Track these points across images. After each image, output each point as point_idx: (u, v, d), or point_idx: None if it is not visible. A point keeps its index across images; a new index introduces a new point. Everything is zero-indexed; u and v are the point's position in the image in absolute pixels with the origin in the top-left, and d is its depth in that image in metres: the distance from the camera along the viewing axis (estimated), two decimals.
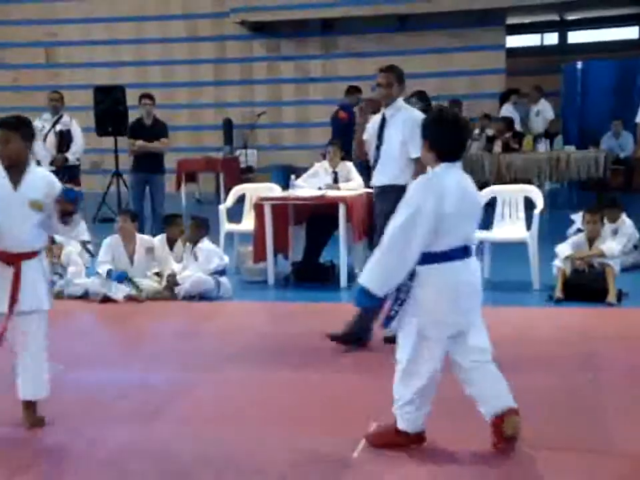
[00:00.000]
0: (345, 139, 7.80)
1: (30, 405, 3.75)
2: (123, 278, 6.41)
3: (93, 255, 7.57)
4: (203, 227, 6.60)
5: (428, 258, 3.12)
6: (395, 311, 3.19)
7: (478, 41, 13.96)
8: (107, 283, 6.42)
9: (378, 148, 4.88)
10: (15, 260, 3.65)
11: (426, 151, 3.23)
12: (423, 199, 3.09)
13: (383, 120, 4.90)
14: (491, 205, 6.95)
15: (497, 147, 11.63)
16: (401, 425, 3.31)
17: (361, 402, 3.90)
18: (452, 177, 3.16)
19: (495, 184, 9.19)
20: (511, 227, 6.89)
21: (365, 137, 5.09)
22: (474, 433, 3.46)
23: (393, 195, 4.78)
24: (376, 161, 4.90)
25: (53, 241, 6.71)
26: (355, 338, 4.83)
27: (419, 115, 4.63)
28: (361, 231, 6.64)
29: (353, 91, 10.20)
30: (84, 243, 7.85)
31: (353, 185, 7.35)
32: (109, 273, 6.42)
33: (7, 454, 3.48)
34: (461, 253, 3.17)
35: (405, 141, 4.76)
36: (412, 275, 3.14)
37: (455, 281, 3.17)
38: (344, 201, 6.72)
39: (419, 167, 4.66)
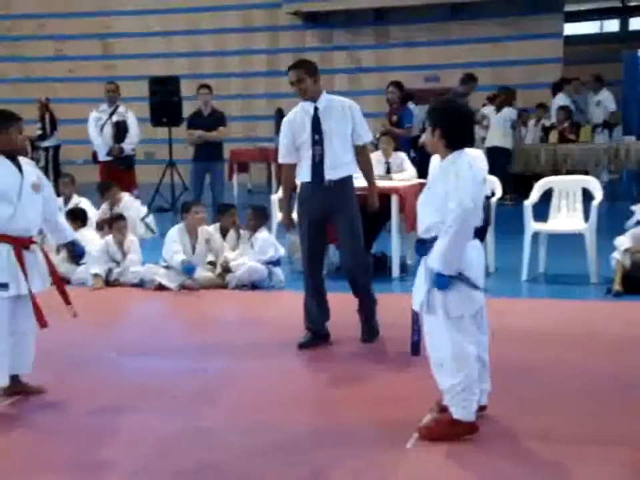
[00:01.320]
0: None
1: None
2: (192, 270, 6.47)
3: (153, 232, 7.74)
4: (262, 216, 6.66)
5: None
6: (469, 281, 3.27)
7: (535, 29, 13.69)
8: (167, 273, 6.51)
9: (319, 143, 4.66)
10: (28, 244, 3.86)
11: (436, 138, 3.36)
12: (464, 181, 3.22)
13: (316, 114, 4.68)
14: (547, 196, 6.83)
15: (553, 137, 11.41)
16: (457, 414, 3.31)
17: (414, 394, 3.87)
18: (466, 162, 3.31)
19: (551, 175, 9.03)
20: (567, 219, 6.74)
21: (287, 137, 4.74)
22: (526, 424, 3.41)
23: (349, 185, 4.80)
24: (320, 156, 4.66)
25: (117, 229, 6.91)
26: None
27: (352, 101, 4.82)
28: (414, 222, 6.58)
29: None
30: (144, 219, 8.06)
31: (405, 175, 7.30)
32: (183, 262, 6.48)
33: (61, 438, 3.56)
34: (478, 232, 3.34)
35: (354, 129, 4.71)
36: None
37: (476, 257, 3.34)
38: (396, 191, 6.68)
39: (368, 153, 4.93)
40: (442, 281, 3.24)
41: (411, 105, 9.97)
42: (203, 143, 8.54)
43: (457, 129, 3.35)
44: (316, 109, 4.70)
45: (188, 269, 6.46)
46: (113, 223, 7.02)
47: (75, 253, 4.29)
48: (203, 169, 8.65)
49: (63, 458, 3.33)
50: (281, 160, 4.92)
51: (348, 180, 4.79)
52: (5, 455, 3.37)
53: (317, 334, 4.86)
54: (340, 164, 4.71)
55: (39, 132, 13.01)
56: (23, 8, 16.22)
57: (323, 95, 4.73)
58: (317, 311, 4.89)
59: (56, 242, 4.48)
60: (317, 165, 4.69)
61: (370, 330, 4.89)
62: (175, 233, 6.70)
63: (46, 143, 13.02)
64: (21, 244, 3.82)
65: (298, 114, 4.76)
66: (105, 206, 8.08)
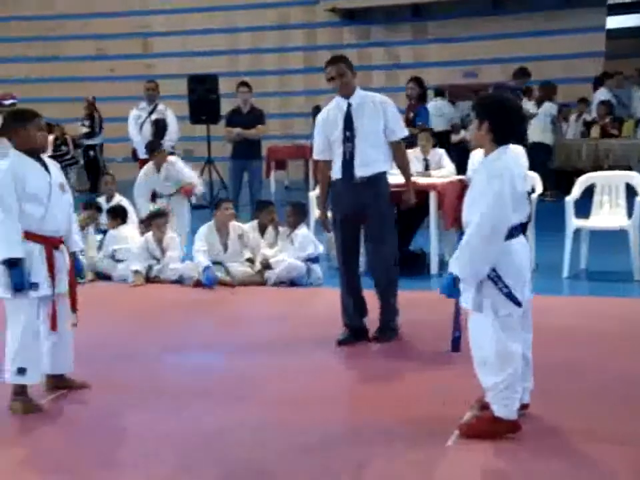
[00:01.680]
0: None
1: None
2: (213, 282, 6.41)
3: (191, 204, 7.84)
4: (301, 213, 6.70)
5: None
6: (506, 288, 3.21)
7: (576, 22, 13.46)
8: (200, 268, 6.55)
9: (350, 140, 4.64)
10: (58, 244, 3.84)
11: (484, 132, 3.29)
12: (501, 182, 3.17)
13: (349, 110, 4.66)
14: (589, 192, 6.73)
15: (595, 132, 11.22)
16: (499, 412, 3.28)
17: (453, 391, 3.84)
18: (511, 158, 3.28)
19: (592, 171, 8.88)
20: (610, 215, 6.63)
21: (321, 134, 4.77)
22: (568, 423, 3.37)
23: (382, 182, 4.76)
24: (350, 153, 4.64)
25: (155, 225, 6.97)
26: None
27: (385, 97, 4.78)
28: (452, 219, 6.54)
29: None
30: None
31: (444, 172, 7.26)
32: (205, 270, 6.42)
33: (95, 430, 3.61)
34: (522, 228, 3.31)
35: (386, 125, 4.67)
36: None
37: (523, 252, 3.29)
38: (435, 188, 6.65)
39: (403, 149, 4.85)
40: (450, 287, 3.19)
41: (430, 104, 9.95)
42: (241, 141, 8.60)
43: (505, 123, 3.29)
44: (349, 105, 4.69)
45: (208, 279, 6.38)
46: (152, 221, 7.10)
47: (74, 265, 4.09)
48: (241, 166, 8.71)
49: (75, 457, 3.32)
50: (315, 157, 4.95)
51: (380, 177, 4.76)
52: (7, 454, 3.38)
53: (355, 330, 4.86)
54: (370, 161, 4.68)
55: (87, 130, 13.25)
56: (65, 9, 16.48)
57: (357, 91, 4.74)
58: (353, 308, 4.88)
59: None
60: (348, 162, 4.68)
61: (383, 329, 4.85)
62: (203, 232, 6.72)
63: (90, 141, 13.30)
64: (51, 244, 3.81)
65: (331, 111, 4.77)
66: (148, 167, 7.88)
